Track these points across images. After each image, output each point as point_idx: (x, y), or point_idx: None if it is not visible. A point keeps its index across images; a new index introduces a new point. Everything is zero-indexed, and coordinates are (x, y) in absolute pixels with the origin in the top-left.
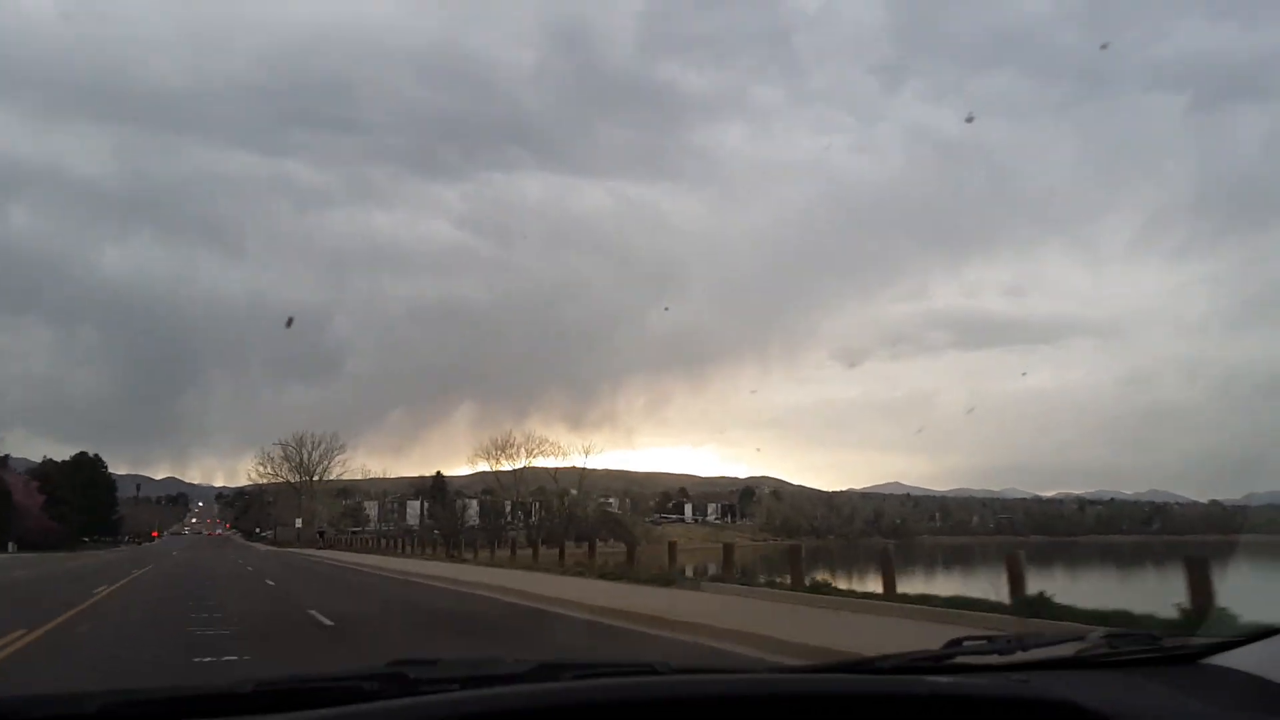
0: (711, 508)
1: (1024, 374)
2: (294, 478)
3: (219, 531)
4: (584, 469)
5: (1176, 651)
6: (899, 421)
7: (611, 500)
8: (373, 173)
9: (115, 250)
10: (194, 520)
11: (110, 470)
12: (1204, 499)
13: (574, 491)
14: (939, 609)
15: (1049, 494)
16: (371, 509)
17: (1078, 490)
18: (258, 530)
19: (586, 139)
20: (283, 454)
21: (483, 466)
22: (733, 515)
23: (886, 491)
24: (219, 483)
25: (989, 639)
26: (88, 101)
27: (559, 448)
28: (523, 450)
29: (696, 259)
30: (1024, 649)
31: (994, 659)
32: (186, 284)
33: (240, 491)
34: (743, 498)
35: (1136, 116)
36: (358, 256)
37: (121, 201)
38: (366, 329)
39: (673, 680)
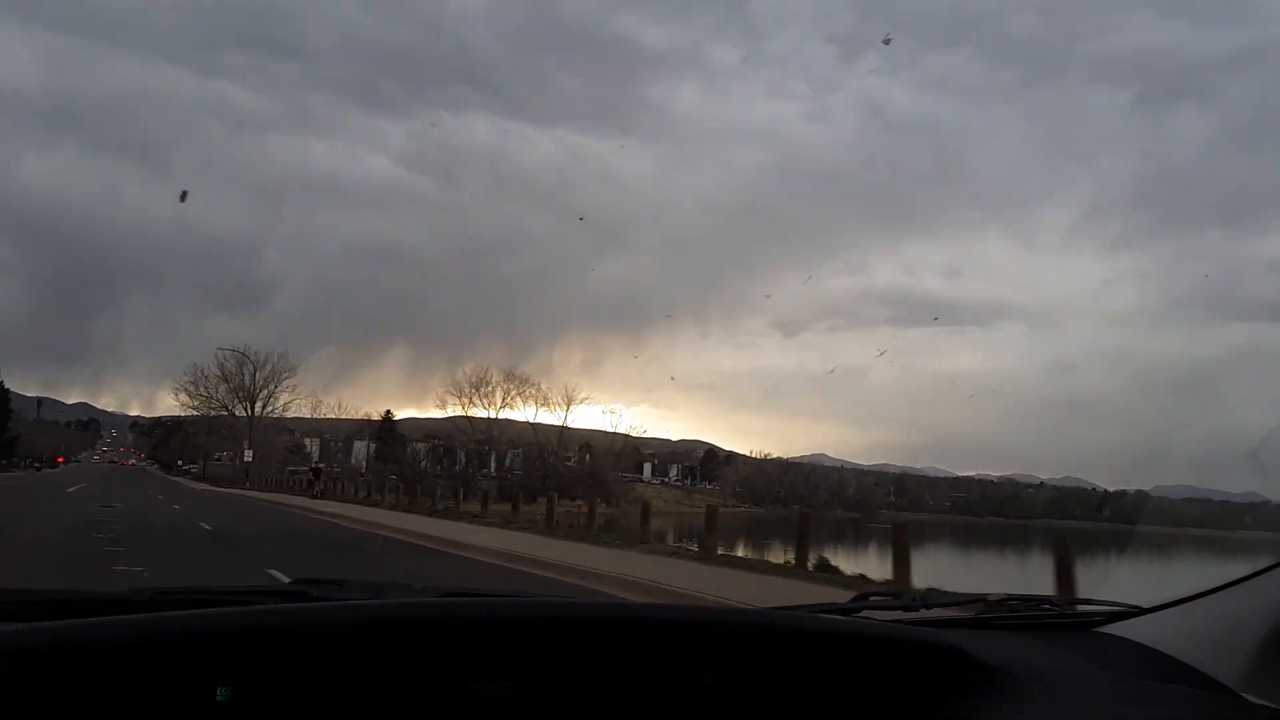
0: (673, 469)
1: (945, 351)
2: (231, 402)
3: (132, 461)
4: (564, 425)
5: (1073, 618)
6: (832, 393)
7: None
8: (312, 101)
9: (35, 161)
10: (105, 448)
11: (18, 391)
12: (1114, 487)
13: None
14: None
15: (966, 474)
16: (313, 447)
17: (994, 472)
18: (180, 463)
19: (538, 85)
20: (220, 373)
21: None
22: (692, 478)
23: (814, 462)
24: (134, 411)
25: (895, 594)
26: (11, 4)
27: (541, 392)
28: (499, 392)
29: (643, 216)
30: (927, 606)
31: (899, 614)
32: (109, 203)
33: (157, 421)
34: (704, 461)
35: (1082, 107)
36: (293, 187)
37: (44, 111)
38: (297, 263)
39: (551, 601)
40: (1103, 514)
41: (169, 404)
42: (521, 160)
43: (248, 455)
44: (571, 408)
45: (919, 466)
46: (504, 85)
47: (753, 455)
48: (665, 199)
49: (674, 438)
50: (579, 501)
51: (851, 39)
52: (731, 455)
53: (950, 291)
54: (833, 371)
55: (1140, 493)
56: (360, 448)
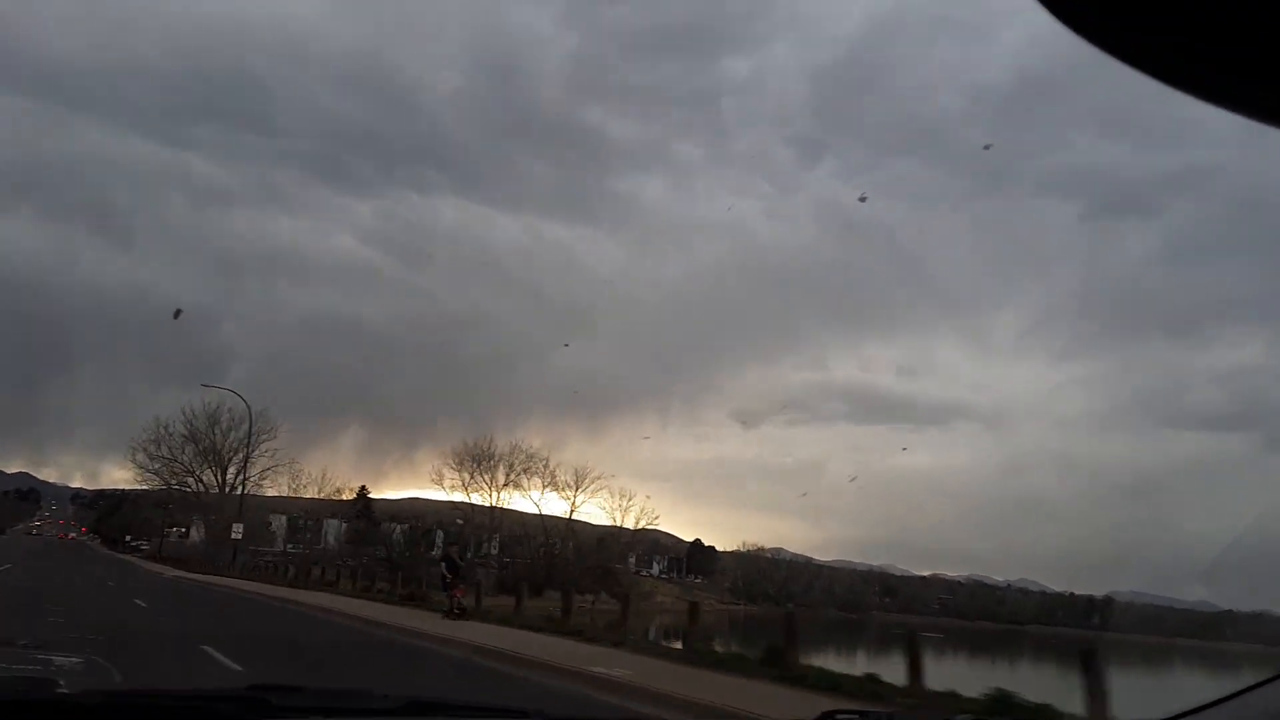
0: (656, 561)
1: (904, 449)
2: (199, 467)
3: (72, 535)
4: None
5: None
6: (789, 485)
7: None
8: (278, 176)
9: None
10: (41, 520)
11: None
12: (1066, 590)
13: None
14: None
15: (923, 573)
16: (277, 524)
17: (950, 572)
18: (128, 539)
19: (506, 171)
20: (187, 431)
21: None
22: (679, 570)
23: (771, 555)
24: (77, 484)
25: (861, 713)
26: None
27: (547, 468)
28: (502, 466)
29: (606, 305)
30: None
31: None
32: (63, 270)
33: (100, 493)
34: (691, 553)
35: (1032, 218)
36: (254, 260)
37: (2, 174)
38: (255, 337)
39: None
40: (1091, 621)
41: (114, 476)
42: (487, 243)
43: (237, 531)
44: (581, 489)
45: (877, 563)
46: (472, 169)
47: (744, 549)
48: (629, 287)
49: (630, 526)
50: (588, 596)
51: (811, 142)
52: (709, 549)
53: (906, 390)
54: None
55: (1126, 601)
56: (332, 527)
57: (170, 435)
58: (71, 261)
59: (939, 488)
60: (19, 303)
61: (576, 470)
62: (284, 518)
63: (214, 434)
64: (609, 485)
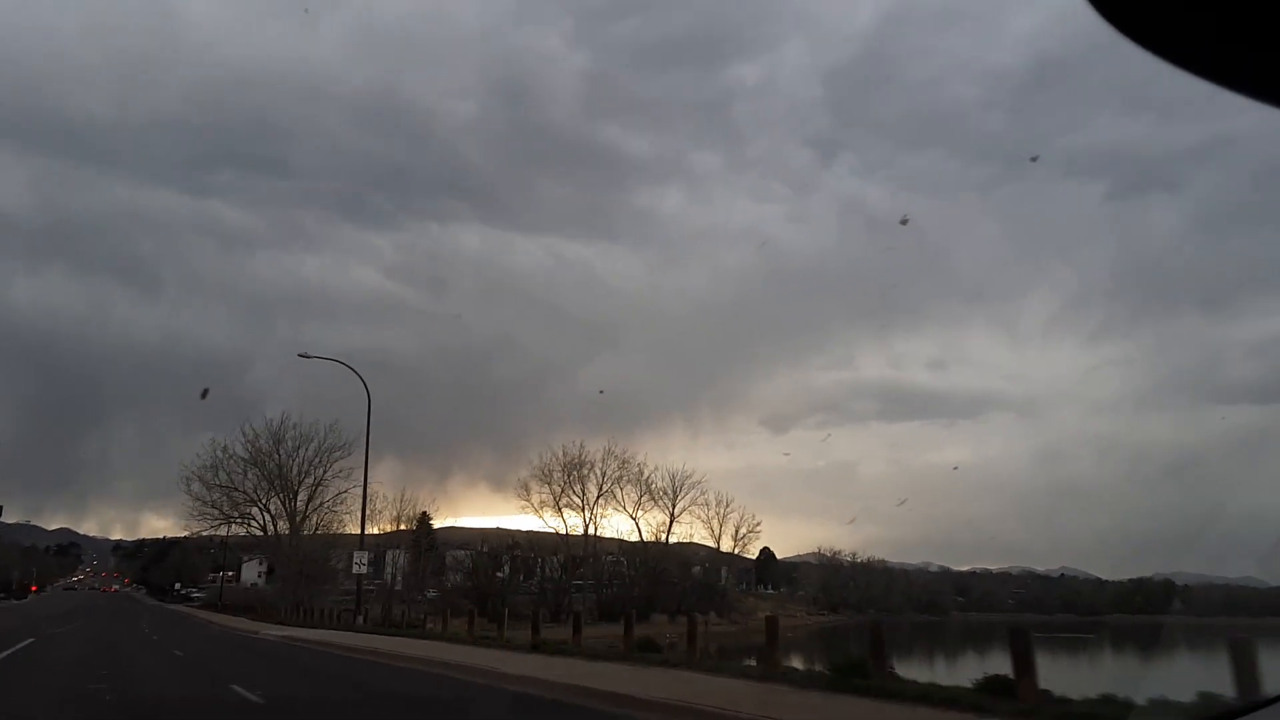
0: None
1: (955, 468)
2: (263, 494)
3: (115, 588)
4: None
5: None
6: (823, 489)
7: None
8: (302, 217)
9: (24, 283)
10: (82, 574)
11: None
12: (1110, 577)
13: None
14: None
15: (963, 568)
16: (337, 559)
17: (992, 565)
18: (178, 586)
19: (525, 194)
20: (249, 454)
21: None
22: (748, 583)
23: (801, 561)
24: (116, 535)
25: None
26: (5, 130)
27: (640, 476)
28: (594, 474)
29: (631, 320)
30: None
31: None
32: (97, 323)
33: (141, 543)
34: (760, 564)
35: (1056, 201)
36: (282, 301)
37: (35, 234)
38: (287, 377)
39: None
40: (1172, 606)
41: (154, 525)
42: (510, 267)
43: (359, 563)
44: (680, 499)
45: (913, 562)
46: (491, 195)
47: (822, 554)
48: (653, 300)
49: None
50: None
51: (827, 142)
52: (771, 558)
53: (937, 383)
54: (787, 454)
55: (1209, 584)
56: (394, 560)
57: (229, 457)
58: (104, 315)
59: (976, 481)
60: (56, 358)
61: (673, 476)
62: (343, 553)
63: (278, 454)
64: (704, 494)
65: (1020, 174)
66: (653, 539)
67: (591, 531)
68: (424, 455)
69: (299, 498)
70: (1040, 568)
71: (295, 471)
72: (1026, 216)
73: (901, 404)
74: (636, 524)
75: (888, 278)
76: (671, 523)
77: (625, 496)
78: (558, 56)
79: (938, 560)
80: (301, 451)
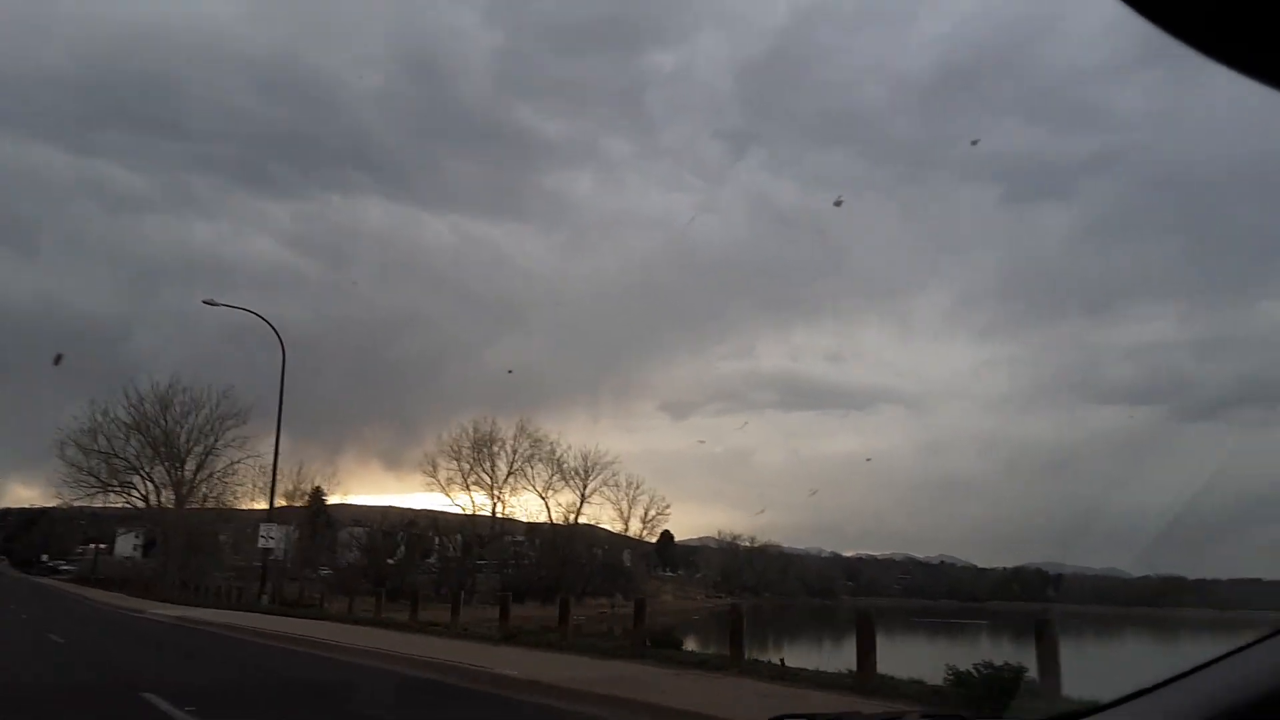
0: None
1: (868, 459)
2: (146, 462)
3: None
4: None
5: None
6: (720, 474)
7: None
8: (195, 181)
9: None
10: None
11: None
12: (985, 565)
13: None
14: None
15: (850, 554)
16: (225, 533)
17: (877, 552)
18: (44, 559)
19: (433, 171)
20: (131, 419)
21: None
22: (648, 566)
23: (700, 545)
24: None
25: (810, 716)
26: None
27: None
28: (505, 452)
29: (538, 301)
30: None
31: None
32: None
33: (5, 513)
34: (660, 548)
35: (955, 204)
36: (171, 269)
37: None
38: (171, 345)
39: None
40: (1048, 594)
41: (19, 495)
42: (415, 243)
43: (267, 537)
44: (591, 480)
45: (804, 547)
46: (398, 169)
47: (721, 537)
48: (561, 283)
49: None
50: (602, 600)
51: (739, 135)
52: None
53: (834, 376)
54: (702, 441)
55: (1079, 574)
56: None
57: (110, 421)
58: None
59: (865, 470)
60: None
61: (585, 456)
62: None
63: (165, 420)
64: (615, 475)
65: (922, 176)
66: (561, 521)
67: (499, 511)
68: (316, 431)
69: (186, 467)
70: (921, 555)
71: (184, 439)
72: (925, 217)
73: (798, 394)
74: (546, 504)
75: (792, 271)
76: (582, 503)
77: (536, 476)
78: (471, 33)
79: (828, 546)
80: (191, 418)
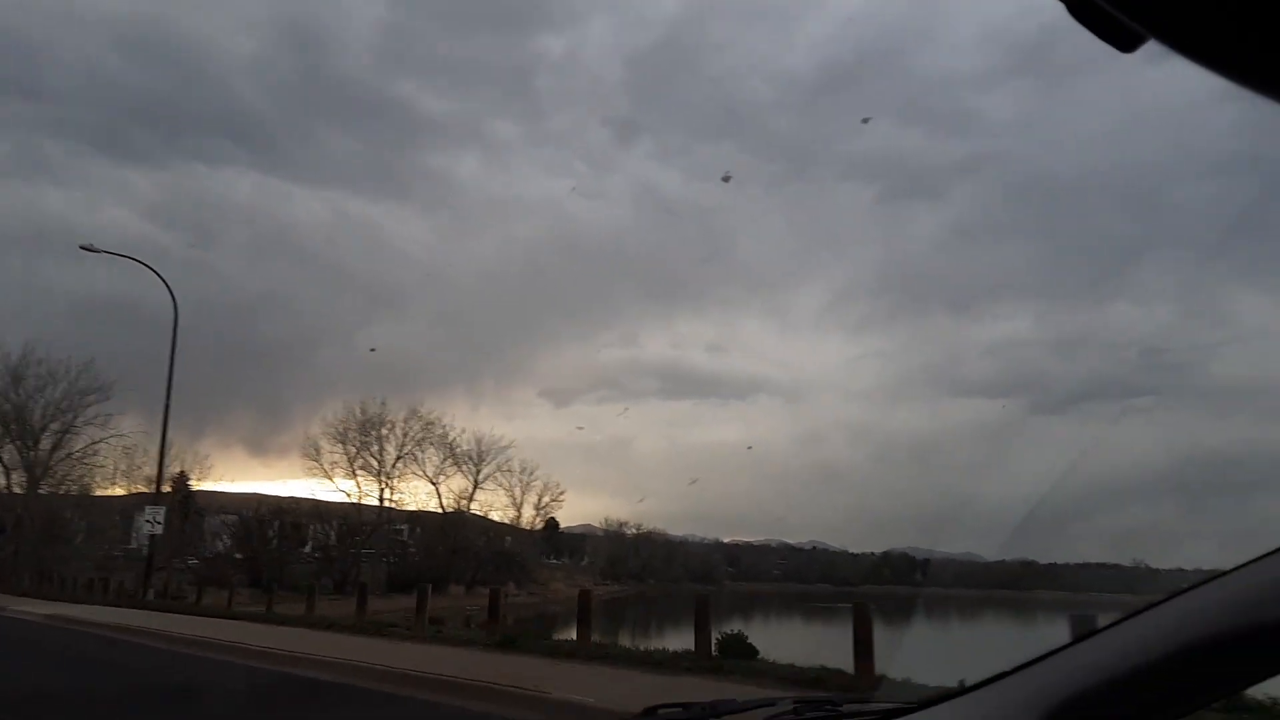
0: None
1: (749, 447)
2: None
3: None
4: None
5: (857, 717)
6: (601, 462)
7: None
8: (49, 146)
9: None
10: None
11: None
12: (855, 550)
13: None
14: None
15: (728, 540)
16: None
17: (753, 538)
18: None
19: (308, 144)
20: None
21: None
22: (541, 554)
23: (583, 532)
24: None
25: (684, 706)
26: None
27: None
28: (395, 434)
29: (418, 284)
30: (716, 716)
31: None
32: None
33: None
34: (547, 535)
35: (833, 201)
36: (19, 236)
37: None
38: (14, 320)
39: None
40: (917, 578)
41: None
42: (287, 219)
43: (152, 521)
44: (485, 465)
45: (683, 533)
46: (269, 141)
47: (607, 525)
48: (442, 266)
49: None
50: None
51: (627, 123)
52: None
53: (714, 365)
54: (581, 428)
55: (942, 559)
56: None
57: None
58: None
59: (744, 458)
60: None
61: (479, 440)
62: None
63: (17, 393)
64: (509, 461)
65: (803, 173)
66: (453, 507)
67: (388, 497)
68: (175, 414)
69: (41, 446)
70: (793, 540)
71: (38, 415)
72: (805, 213)
73: (679, 383)
74: (438, 490)
75: (676, 261)
76: (475, 489)
77: (427, 460)
78: (353, 4)
79: (709, 532)
80: (48, 391)
